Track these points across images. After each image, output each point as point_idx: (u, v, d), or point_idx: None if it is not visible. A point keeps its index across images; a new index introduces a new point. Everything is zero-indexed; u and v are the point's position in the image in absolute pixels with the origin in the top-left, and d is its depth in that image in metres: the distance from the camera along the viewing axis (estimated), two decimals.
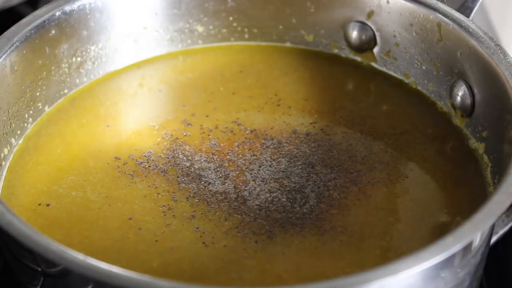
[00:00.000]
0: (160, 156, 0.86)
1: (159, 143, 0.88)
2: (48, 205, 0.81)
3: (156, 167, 0.85)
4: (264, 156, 0.86)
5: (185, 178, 0.84)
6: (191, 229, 0.79)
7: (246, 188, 0.82)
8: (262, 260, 0.76)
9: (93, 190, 0.83)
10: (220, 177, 0.83)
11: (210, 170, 0.84)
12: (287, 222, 0.79)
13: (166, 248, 0.77)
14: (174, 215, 0.80)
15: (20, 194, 0.83)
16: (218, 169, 0.84)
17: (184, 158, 0.86)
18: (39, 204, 0.82)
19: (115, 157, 0.86)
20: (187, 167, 0.85)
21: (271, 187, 0.82)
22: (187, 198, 0.82)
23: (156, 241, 0.78)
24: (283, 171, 0.84)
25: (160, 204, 0.81)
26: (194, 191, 0.82)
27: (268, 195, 0.82)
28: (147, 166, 0.85)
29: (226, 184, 0.83)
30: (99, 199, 0.82)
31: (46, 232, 0.78)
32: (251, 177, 0.83)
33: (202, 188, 0.82)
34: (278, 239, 0.78)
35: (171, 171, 0.84)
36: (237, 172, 0.84)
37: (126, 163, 0.85)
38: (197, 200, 0.81)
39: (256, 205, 0.81)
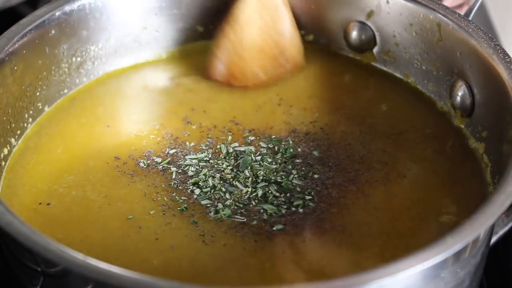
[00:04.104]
0: (160, 155, 0.86)
1: (158, 143, 0.88)
2: (48, 204, 0.81)
3: (156, 166, 0.85)
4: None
5: (184, 177, 0.84)
6: (191, 228, 0.79)
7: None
8: (262, 259, 0.76)
9: (93, 190, 0.83)
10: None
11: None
12: (288, 223, 0.79)
13: (166, 247, 0.77)
14: (174, 214, 0.80)
15: (21, 194, 0.83)
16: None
17: (184, 157, 0.86)
18: (40, 203, 0.82)
19: (115, 157, 0.86)
20: (187, 166, 0.85)
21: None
22: (187, 197, 0.82)
23: (156, 239, 0.78)
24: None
25: (160, 203, 0.81)
26: (194, 190, 0.82)
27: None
28: (146, 166, 0.85)
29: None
30: (99, 198, 0.82)
31: (47, 231, 0.78)
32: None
33: (201, 187, 0.82)
34: (278, 239, 0.78)
35: (170, 171, 0.84)
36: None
37: (126, 162, 0.85)
38: (197, 199, 0.81)
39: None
